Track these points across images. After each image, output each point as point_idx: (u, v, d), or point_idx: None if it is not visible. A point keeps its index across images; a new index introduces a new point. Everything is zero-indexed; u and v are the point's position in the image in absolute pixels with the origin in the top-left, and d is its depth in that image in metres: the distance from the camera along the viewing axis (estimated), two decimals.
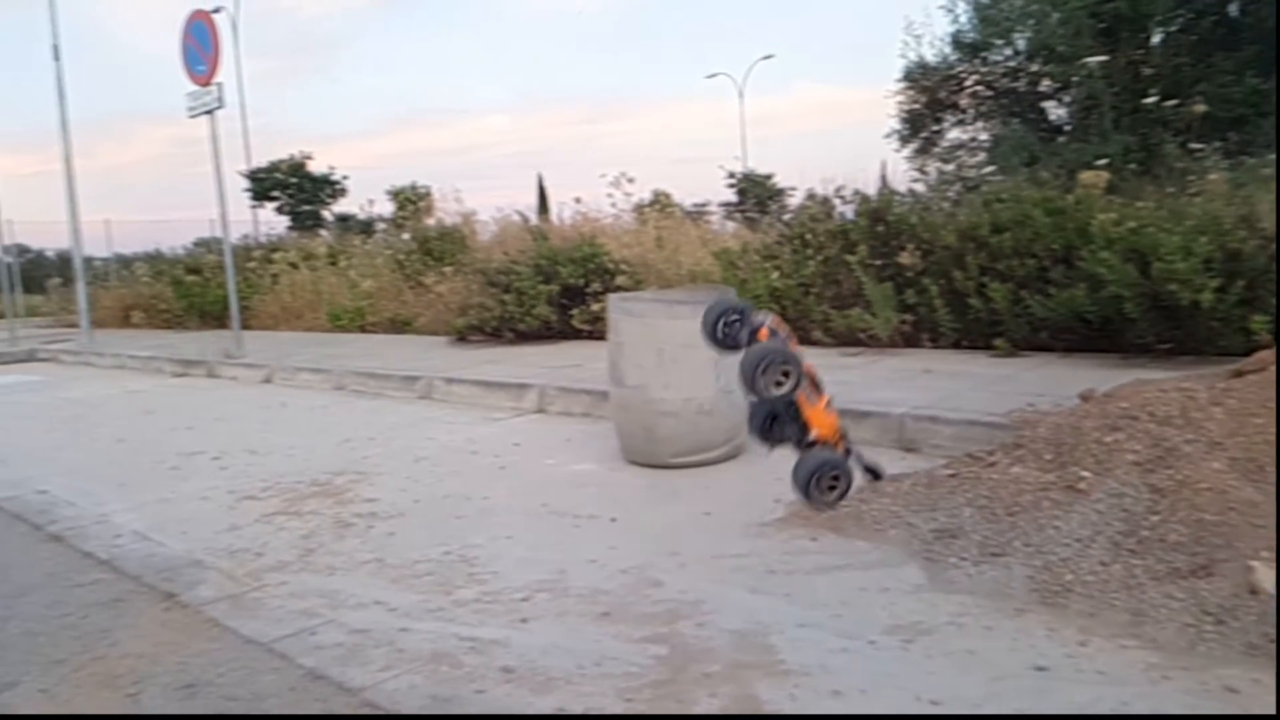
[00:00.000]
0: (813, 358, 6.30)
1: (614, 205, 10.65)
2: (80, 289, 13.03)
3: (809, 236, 7.27)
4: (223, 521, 3.87)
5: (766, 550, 3.16)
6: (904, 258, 6.60)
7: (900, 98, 17.30)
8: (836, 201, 7.57)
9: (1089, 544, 2.74)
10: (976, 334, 6.25)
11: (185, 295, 14.47)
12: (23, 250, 24.83)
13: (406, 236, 12.84)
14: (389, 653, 2.53)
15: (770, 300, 7.18)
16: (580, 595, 2.86)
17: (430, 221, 13.09)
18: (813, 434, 2.91)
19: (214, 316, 13.61)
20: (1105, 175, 6.55)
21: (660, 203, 11.37)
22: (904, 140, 17.61)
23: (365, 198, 32.47)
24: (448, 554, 3.31)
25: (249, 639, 2.66)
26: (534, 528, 3.59)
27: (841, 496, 2.87)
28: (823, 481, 2.88)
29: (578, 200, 10.92)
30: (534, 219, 11.83)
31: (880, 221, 6.90)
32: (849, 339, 6.75)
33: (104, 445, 5.82)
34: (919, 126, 17.41)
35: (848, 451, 3.00)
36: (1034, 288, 5.93)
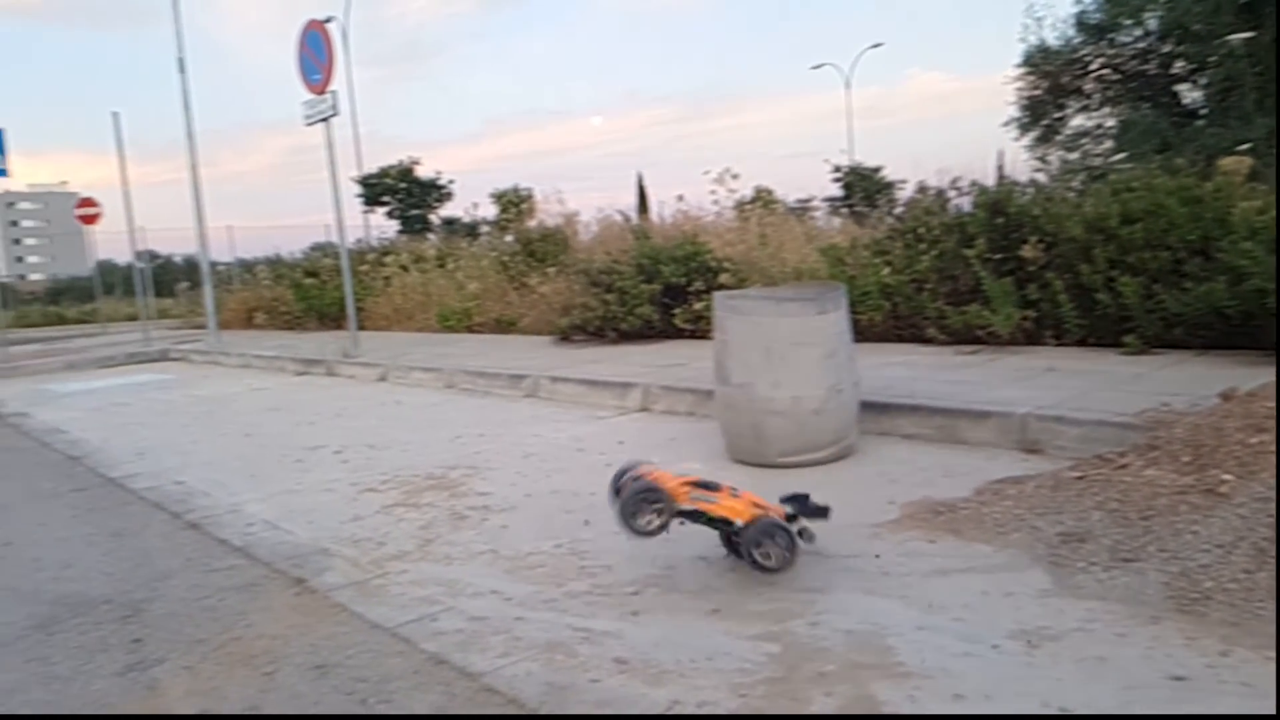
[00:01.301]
0: (927, 356, 6.22)
1: (716, 203, 10.62)
2: (208, 292, 13.79)
3: (922, 230, 7.05)
4: (346, 512, 4.03)
5: (882, 551, 3.09)
6: (1026, 251, 6.33)
7: (1020, 84, 16.67)
8: (951, 193, 7.33)
9: (1231, 550, 2.58)
10: (1104, 330, 5.95)
11: (304, 297, 15.14)
12: (153, 256, 26.46)
13: (510, 238, 13.11)
14: (506, 640, 2.58)
15: (881, 297, 7.01)
16: (690, 591, 2.86)
17: (532, 223, 13.33)
18: (737, 523, 2.89)
19: (331, 318, 14.20)
20: (1247, 161, 6.16)
21: (762, 199, 11.26)
22: (1023, 128, 16.94)
23: (470, 201, 33.38)
24: (559, 547, 3.36)
25: (374, 624, 2.76)
26: None
27: (790, 547, 2.86)
28: (768, 545, 2.84)
29: (680, 198, 10.92)
30: (634, 218, 11.89)
31: (1000, 214, 6.63)
32: (966, 337, 6.53)
33: (234, 440, 6.14)
34: (1040, 114, 16.71)
35: (787, 515, 2.98)
36: (1168, 281, 5.61)
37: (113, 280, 30.98)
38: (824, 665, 2.32)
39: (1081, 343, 6.12)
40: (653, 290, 8.60)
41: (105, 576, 3.38)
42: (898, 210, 8.61)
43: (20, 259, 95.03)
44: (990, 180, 7.31)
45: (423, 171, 23.62)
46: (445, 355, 9.03)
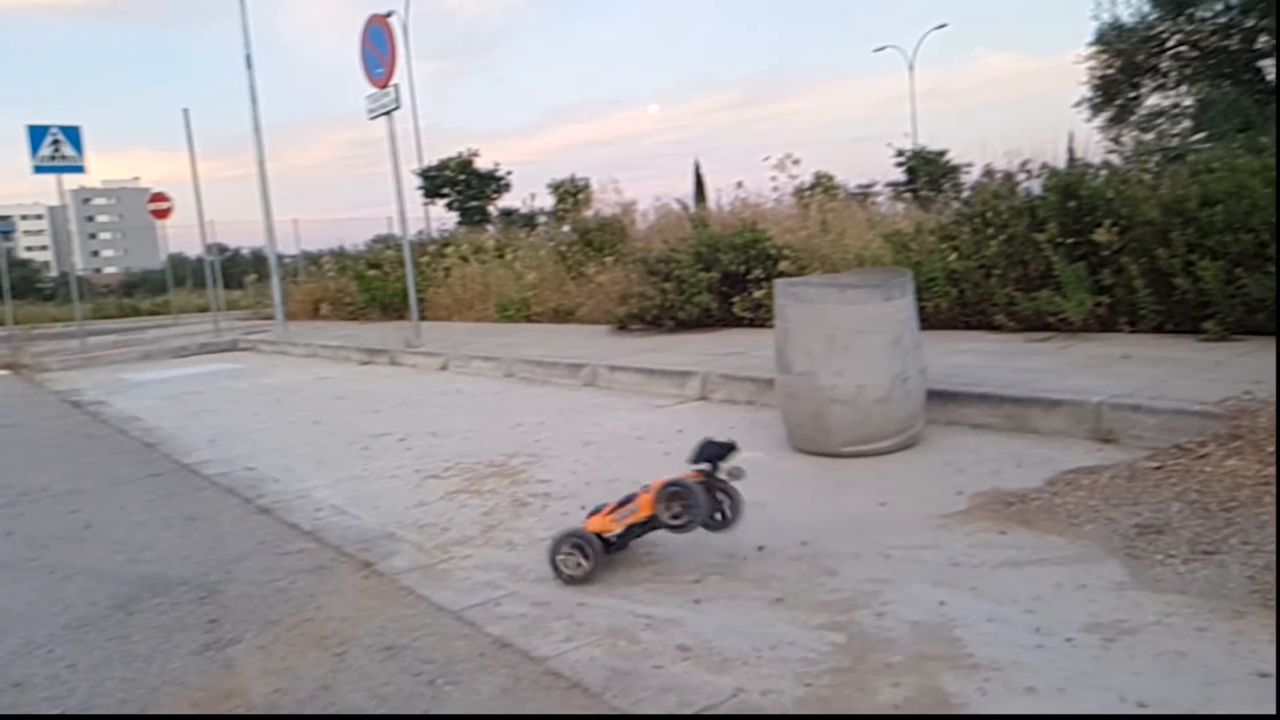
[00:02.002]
0: (995, 343, 6.08)
1: (776, 189, 10.51)
2: (275, 284, 14.14)
3: (990, 215, 6.86)
4: (411, 498, 4.09)
5: (949, 542, 3.02)
6: (1099, 235, 6.12)
7: (1092, 63, 16.12)
8: (1021, 177, 7.11)
9: None
10: (1182, 317, 5.73)
11: (367, 289, 15.44)
12: (222, 249, 27.17)
13: (567, 228, 13.17)
14: (569, 625, 2.60)
15: (948, 283, 6.86)
16: (752, 580, 2.84)
17: (589, 213, 13.37)
18: (641, 516, 2.96)
19: (393, 308, 14.46)
20: None
21: (822, 185, 11.11)
22: (1096, 109, 16.38)
23: (527, 192, 33.60)
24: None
25: (440, 607, 2.80)
26: None
27: (688, 509, 2.89)
28: (674, 507, 2.90)
29: (739, 185, 10.83)
30: (691, 207, 11.85)
31: (1072, 196, 6.42)
32: (1036, 323, 6.35)
33: (302, 427, 6.29)
34: (1113, 93, 16.14)
35: (703, 472, 3.01)
36: (1250, 265, 5.38)
37: (183, 273, 31.96)
38: (891, 656, 2.29)
39: (1158, 329, 5.92)
40: (711, 278, 8.55)
41: (182, 559, 3.49)
42: (964, 194, 8.38)
43: (96, 253, 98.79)
44: (1061, 162, 7.08)
45: (481, 163, 23.87)
46: (504, 345, 9.12)
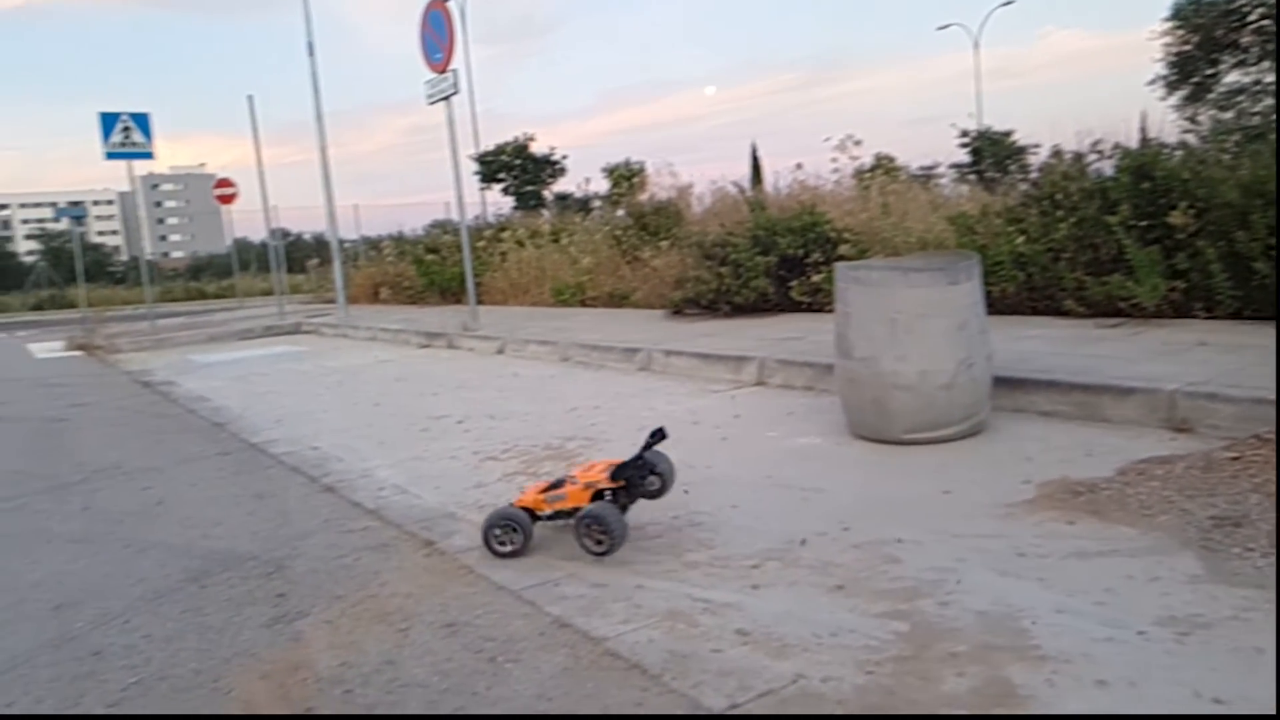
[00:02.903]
0: (1064, 329, 5.92)
1: (836, 171, 10.35)
2: (337, 268, 14.40)
3: (1060, 196, 6.66)
4: (470, 479, 4.14)
5: (1016, 532, 2.96)
6: (1174, 217, 5.91)
7: (1167, 39, 15.53)
8: (1091, 157, 6.89)
9: None
10: (1261, 302, 5.51)
11: (426, 273, 15.64)
12: (285, 234, 27.75)
13: (622, 212, 13.16)
14: (627, 607, 2.60)
15: (1015, 267, 6.68)
16: (812, 567, 2.81)
17: (644, 197, 13.34)
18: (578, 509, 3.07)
19: (451, 292, 14.63)
20: None
21: (883, 167, 10.90)
22: (1171, 87, 15.79)
23: (582, 176, 33.65)
24: (676, 519, 3.36)
25: (500, 586, 2.83)
26: (759, 498, 3.57)
27: (604, 539, 2.98)
28: (594, 533, 2.98)
29: (798, 167, 10.69)
30: (748, 189, 11.74)
31: (1146, 178, 6.19)
32: (1107, 309, 6.16)
33: (363, 408, 6.41)
34: (1190, 71, 15.53)
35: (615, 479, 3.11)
36: None
37: (248, 257, 32.77)
38: (955, 646, 2.25)
39: (1235, 315, 5.69)
40: (768, 262, 8.47)
41: (250, 535, 3.59)
42: (1032, 176, 8.13)
43: (164, 237, 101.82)
44: (1134, 142, 6.84)
45: (537, 148, 23.97)
46: (560, 329, 9.17)
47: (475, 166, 23.80)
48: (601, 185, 18.72)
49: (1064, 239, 6.51)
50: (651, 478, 3.16)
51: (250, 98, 15.78)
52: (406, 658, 2.40)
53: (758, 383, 5.97)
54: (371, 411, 6.24)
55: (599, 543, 2.95)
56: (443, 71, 9.76)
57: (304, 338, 12.87)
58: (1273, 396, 3.65)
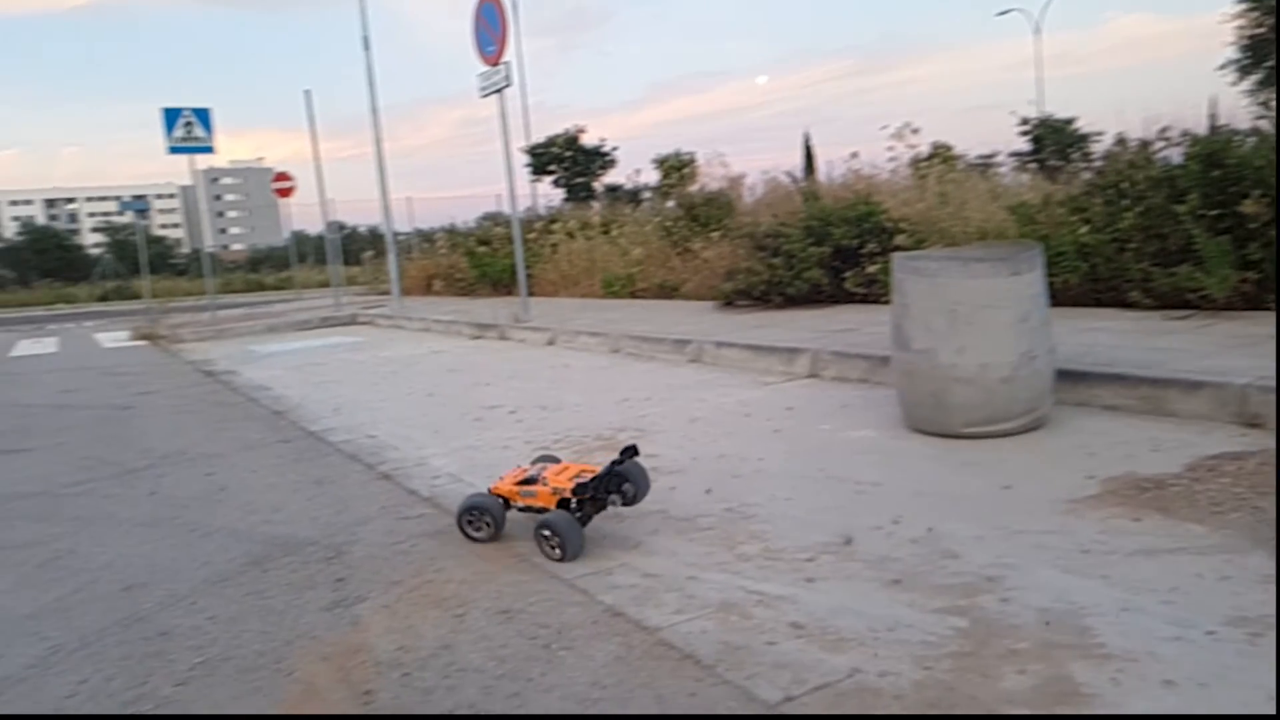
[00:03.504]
0: (1129, 321, 5.76)
1: (893, 159, 10.17)
2: (392, 260, 14.62)
3: (1126, 185, 6.46)
4: None
5: (1079, 528, 2.89)
6: (1246, 206, 5.69)
7: (1240, 22, 14.96)
8: (1159, 144, 6.67)
9: None
10: None
11: (477, 265, 15.79)
12: (341, 226, 28.20)
13: (672, 204, 13.12)
14: (680, 598, 2.60)
15: (1078, 257, 6.51)
16: (867, 560, 2.78)
17: (695, 188, 13.28)
18: (544, 515, 3.10)
19: (502, 284, 14.75)
20: None
21: (940, 155, 10.68)
22: (1243, 71, 15.23)
23: (632, 168, 33.62)
24: (729, 510, 3.34)
25: (553, 574, 2.85)
26: (813, 491, 3.54)
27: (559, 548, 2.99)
28: (551, 539, 2.99)
29: (853, 155, 10.53)
30: (800, 179, 11.61)
31: (1216, 165, 5.97)
32: (1174, 300, 5.97)
33: (418, 398, 6.49)
34: (1263, 55, 14.94)
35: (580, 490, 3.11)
36: None
37: (305, 249, 33.40)
38: (1016, 643, 2.20)
39: None
40: (822, 253, 8.37)
41: (310, 520, 3.66)
42: (1096, 164, 7.90)
43: (224, 230, 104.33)
44: (1203, 129, 6.61)
45: (587, 139, 23.97)
46: (610, 320, 9.18)
47: (526, 159, 23.91)
48: (652, 176, 18.68)
49: (1130, 229, 6.32)
50: (613, 496, 3.16)
51: (308, 92, 16.04)
52: (462, 643, 2.42)
53: (810, 375, 5.91)
54: (426, 401, 6.32)
55: (554, 548, 2.97)
56: (495, 64, 9.82)
57: (360, 329, 13.09)
58: None
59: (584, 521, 3.08)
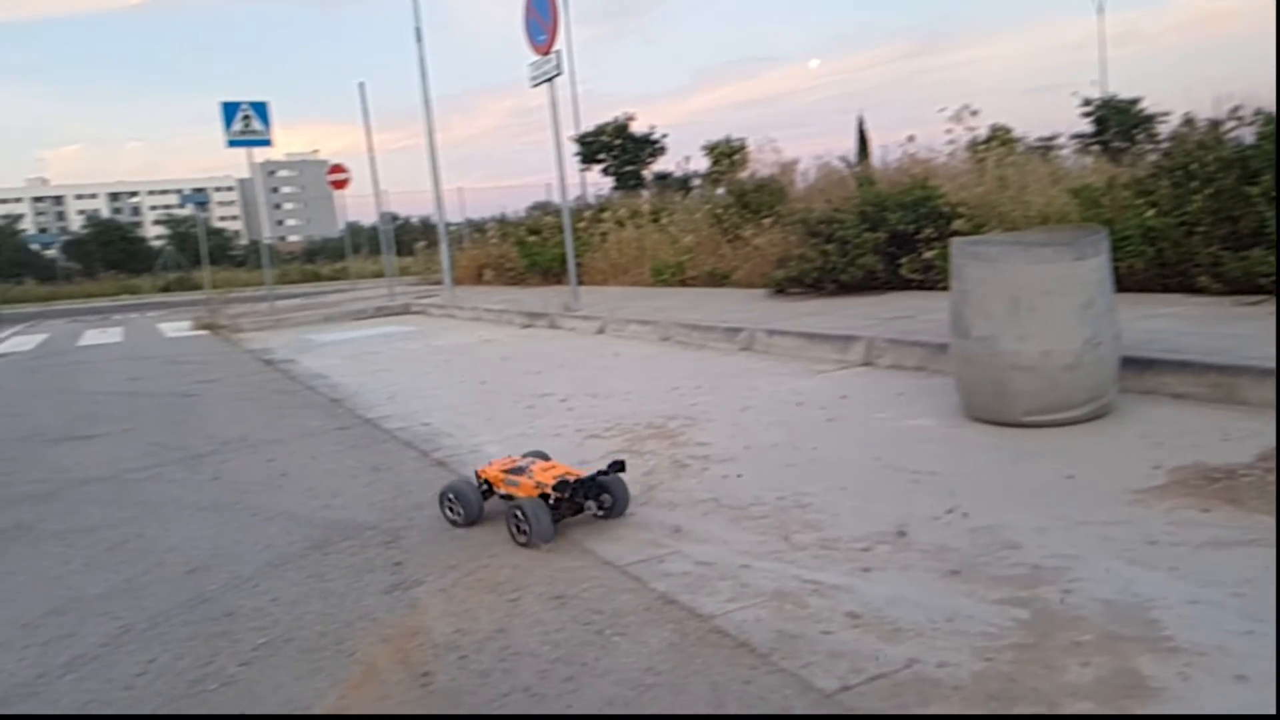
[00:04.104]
0: (1198, 307, 5.59)
1: (950, 142, 9.98)
2: (444, 250, 14.77)
3: (1194, 167, 6.25)
4: (574, 456, 4.18)
5: (1145, 519, 2.81)
6: None
7: None
8: (1230, 124, 6.44)
9: None
10: None
11: (527, 254, 15.90)
12: (393, 217, 28.56)
13: (722, 190, 13.04)
14: (734, 586, 2.59)
15: (1144, 242, 6.32)
16: (925, 550, 2.74)
17: (746, 174, 13.18)
18: (518, 499, 3.20)
19: (552, 273, 14.83)
20: None
21: (999, 138, 10.44)
22: None
23: (682, 155, 33.42)
24: (781, 499, 3.32)
25: (606, 561, 2.85)
26: (869, 480, 3.49)
27: (524, 532, 3.07)
28: (519, 523, 3.07)
29: (910, 139, 10.35)
30: (854, 164, 11.45)
31: None
32: (1245, 286, 5.76)
33: (470, 386, 6.56)
34: None
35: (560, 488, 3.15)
36: None
37: (359, 240, 33.90)
38: (1080, 635, 2.15)
39: None
40: (877, 239, 8.25)
41: (368, 505, 3.72)
42: (1163, 145, 7.64)
43: (280, 222, 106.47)
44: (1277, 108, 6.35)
45: (636, 127, 23.89)
46: (660, 309, 9.17)
47: (576, 147, 23.95)
48: (701, 163, 18.57)
49: (1198, 211, 6.11)
50: (590, 503, 3.21)
51: (362, 85, 16.29)
52: (517, 627, 2.44)
53: (865, 363, 5.84)
54: (478, 389, 6.39)
55: (521, 531, 3.06)
56: (546, 53, 9.83)
57: (412, 318, 13.26)
58: None
59: (557, 518, 3.13)
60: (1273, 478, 2.99)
